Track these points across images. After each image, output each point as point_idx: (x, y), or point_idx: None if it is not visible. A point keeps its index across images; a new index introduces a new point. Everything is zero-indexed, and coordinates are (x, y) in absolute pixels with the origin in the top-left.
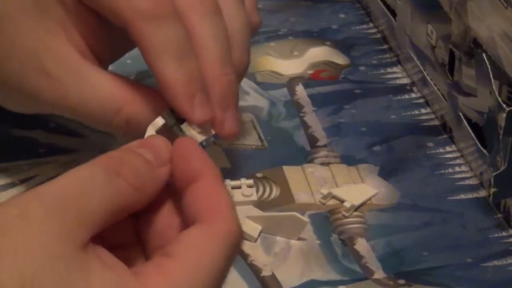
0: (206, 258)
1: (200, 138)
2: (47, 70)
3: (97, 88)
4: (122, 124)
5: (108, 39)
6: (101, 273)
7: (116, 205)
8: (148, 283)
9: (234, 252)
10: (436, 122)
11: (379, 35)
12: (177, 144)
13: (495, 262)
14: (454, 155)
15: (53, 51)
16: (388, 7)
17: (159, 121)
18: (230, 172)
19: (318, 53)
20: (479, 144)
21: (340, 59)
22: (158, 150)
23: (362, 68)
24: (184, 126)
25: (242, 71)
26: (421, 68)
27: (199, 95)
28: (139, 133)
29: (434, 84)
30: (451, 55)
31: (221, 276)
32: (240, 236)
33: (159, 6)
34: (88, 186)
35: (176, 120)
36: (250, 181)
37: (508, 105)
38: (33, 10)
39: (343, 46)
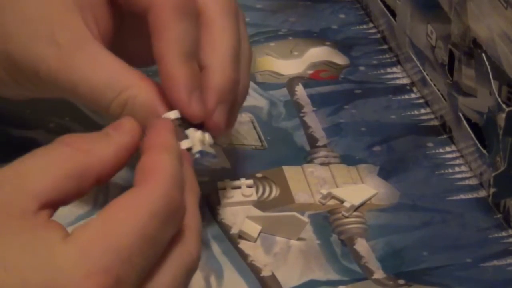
0: (129, 213)
1: (198, 147)
2: (56, 40)
3: (103, 65)
4: (119, 106)
5: (118, 34)
6: (27, 236)
7: (64, 169)
8: (68, 240)
9: (166, 215)
10: (436, 122)
11: (379, 35)
12: (150, 123)
13: (495, 262)
14: (454, 155)
15: (66, 24)
16: (388, 7)
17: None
18: (230, 172)
19: (318, 53)
20: (478, 144)
21: (340, 59)
22: (118, 124)
23: (362, 68)
24: (189, 131)
25: (244, 92)
26: (421, 68)
27: (197, 92)
28: None
29: (434, 84)
30: (451, 55)
31: (150, 235)
32: (175, 202)
33: (187, 2)
34: (28, 158)
35: (182, 122)
36: (250, 181)
37: (507, 105)
38: None
39: (343, 46)
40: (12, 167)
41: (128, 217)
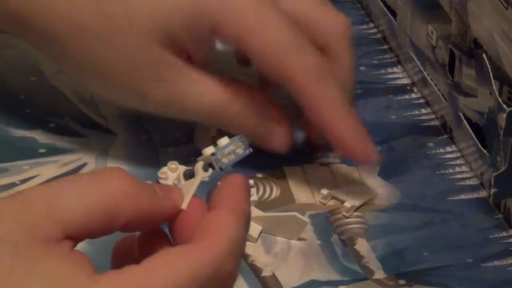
0: (168, 269)
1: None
2: (159, 74)
3: (205, 87)
4: (230, 118)
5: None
6: (52, 265)
7: (99, 204)
8: (100, 279)
9: (208, 281)
10: (437, 122)
11: (379, 35)
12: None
13: (496, 262)
14: (455, 155)
15: (167, 61)
16: (388, 7)
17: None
18: (230, 172)
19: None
20: (479, 145)
21: None
22: (168, 187)
23: (362, 68)
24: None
25: None
26: (421, 68)
27: (362, 136)
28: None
29: (435, 85)
30: (451, 55)
31: None
32: (222, 270)
33: (321, 65)
34: (68, 184)
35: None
36: (251, 181)
37: (508, 106)
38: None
39: None
40: (47, 188)
41: (167, 272)
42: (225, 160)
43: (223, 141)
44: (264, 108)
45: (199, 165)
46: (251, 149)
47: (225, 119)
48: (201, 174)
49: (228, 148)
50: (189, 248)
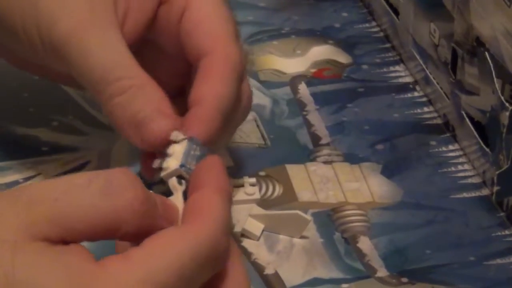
0: (171, 250)
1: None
2: (91, 2)
3: (120, 48)
4: (114, 93)
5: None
6: (55, 257)
7: (104, 219)
8: (106, 266)
9: (206, 259)
10: (439, 121)
11: (381, 34)
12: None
13: (498, 260)
14: (457, 153)
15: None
16: (391, 5)
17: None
18: (233, 170)
19: (321, 51)
20: (481, 143)
21: (343, 58)
22: (172, 208)
23: (365, 66)
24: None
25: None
26: (424, 66)
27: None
28: (121, 115)
29: (437, 83)
30: (454, 53)
31: (186, 276)
32: (218, 248)
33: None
34: (79, 191)
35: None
36: (253, 180)
37: (511, 104)
38: None
39: (346, 45)
40: (55, 191)
41: (170, 254)
42: (192, 167)
43: (178, 148)
44: (154, 100)
45: (173, 181)
46: (205, 147)
47: (113, 88)
48: (179, 189)
49: (191, 155)
50: (186, 229)
